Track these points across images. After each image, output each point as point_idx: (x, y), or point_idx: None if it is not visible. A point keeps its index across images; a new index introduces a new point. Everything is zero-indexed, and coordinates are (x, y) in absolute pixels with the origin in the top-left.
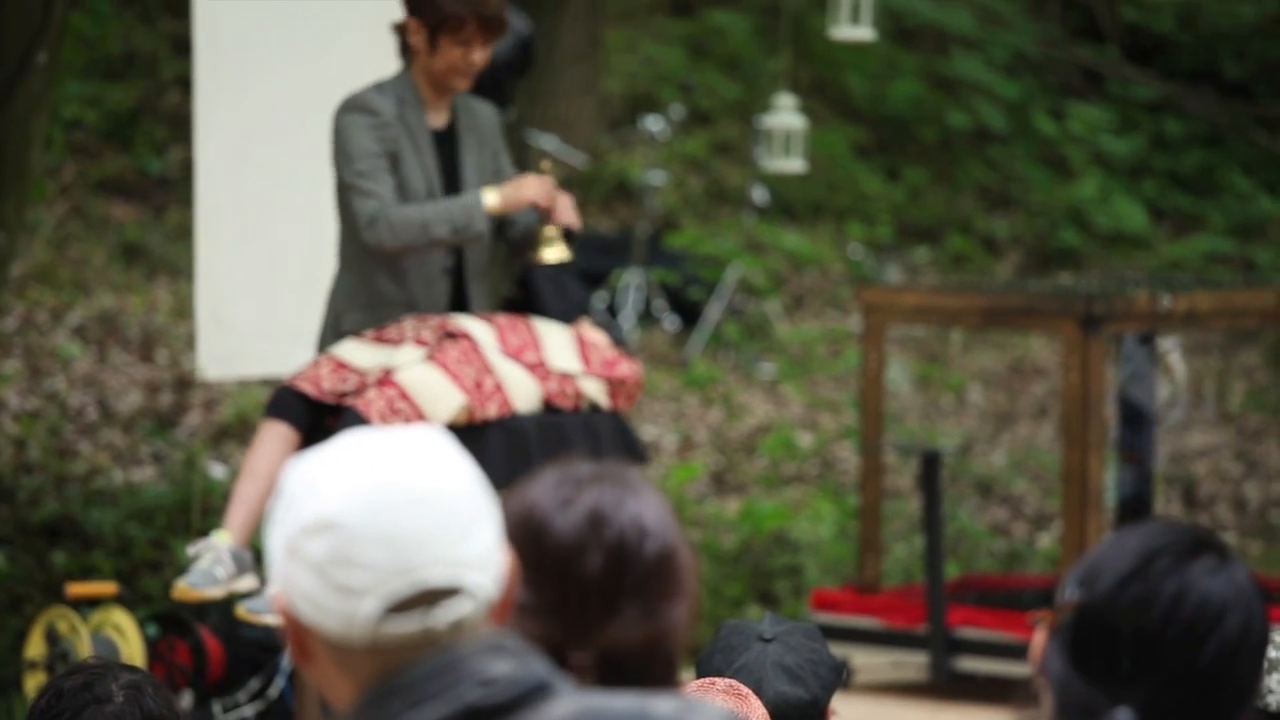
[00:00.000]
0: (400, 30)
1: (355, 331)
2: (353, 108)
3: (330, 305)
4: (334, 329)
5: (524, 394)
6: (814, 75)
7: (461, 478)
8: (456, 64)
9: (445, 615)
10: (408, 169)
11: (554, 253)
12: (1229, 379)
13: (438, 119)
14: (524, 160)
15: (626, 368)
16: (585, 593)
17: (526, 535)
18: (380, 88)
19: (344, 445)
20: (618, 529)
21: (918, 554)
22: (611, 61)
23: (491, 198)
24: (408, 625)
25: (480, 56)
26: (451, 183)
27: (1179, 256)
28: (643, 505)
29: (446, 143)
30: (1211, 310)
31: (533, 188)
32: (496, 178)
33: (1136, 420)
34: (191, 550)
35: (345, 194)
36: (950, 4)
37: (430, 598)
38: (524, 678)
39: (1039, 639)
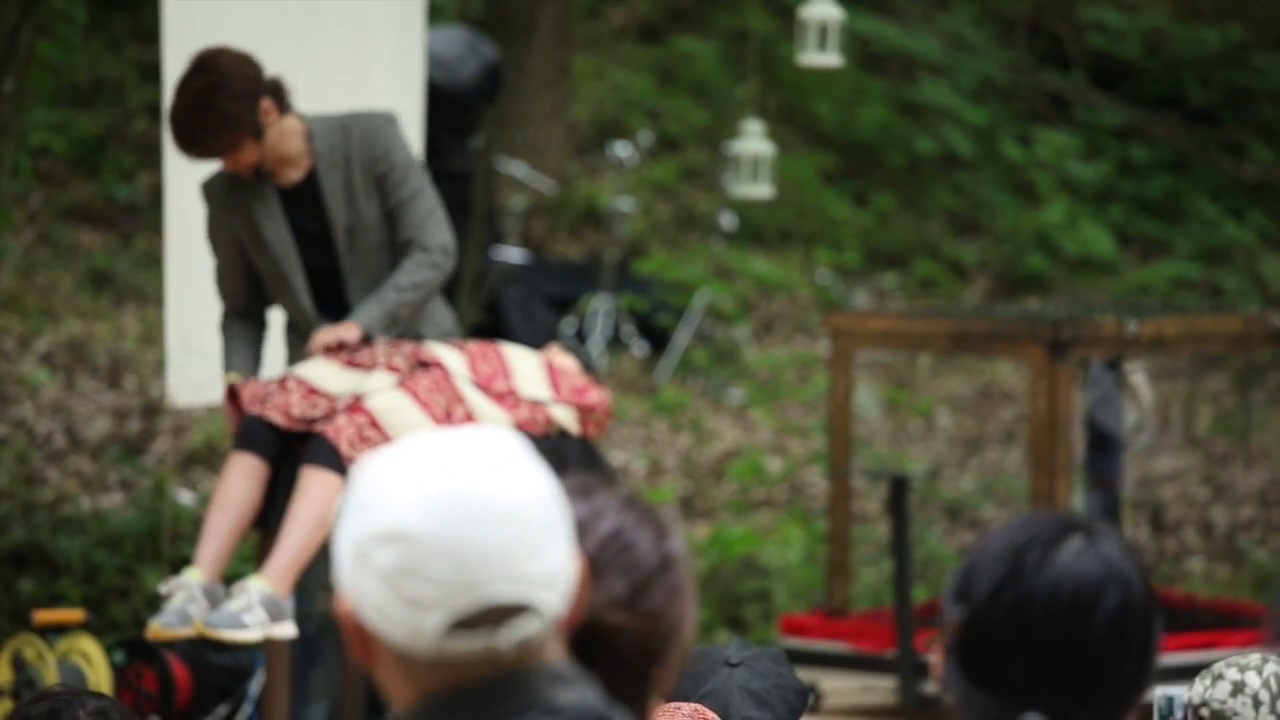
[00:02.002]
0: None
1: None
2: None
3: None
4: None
5: (494, 423)
6: (782, 101)
7: (536, 489)
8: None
9: (511, 634)
10: (266, 235)
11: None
12: (1196, 404)
13: (294, 174)
14: (492, 186)
15: (596, 394)
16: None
17: None
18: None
19: (417, 448)
20: (620, 518)
21: (886, 578)
22: (580, 88)
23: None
24: (473, 643)
25: (228, 165)
26: (321, 226)
27: (1145, 282)
28: (656, 515)
29: (303, 194)
30: (1178, 335)
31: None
32: (381, 191)
33: (1104, 445)
34: (164, 589)
35: None
36: (917, 30)
37: (497, 615)
38: (586, 710)
39: (935, 660)
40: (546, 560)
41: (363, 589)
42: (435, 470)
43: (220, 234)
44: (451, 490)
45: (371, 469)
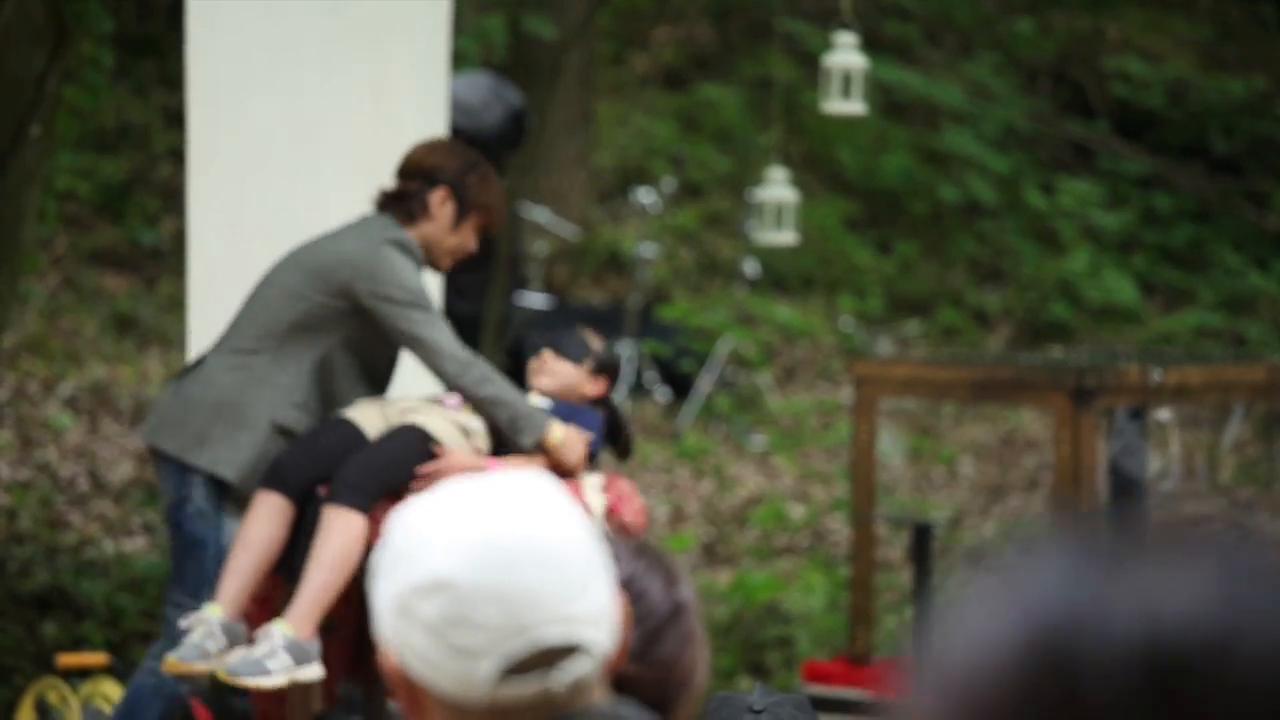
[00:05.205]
0: (411, 192)
1: (295, 429)
2: (402, 247)
3: (264, 397)
4: (271, 424)
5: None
6: (805, 149)
7: (574, 528)
8: (464, 247)
9: (564, 675)
10: None
11: None
12: (1219, 452)
13: None
14: (516, 232)
15: (628, 499)
16: None
17: None
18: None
19: (451, 495)
20: (631, 567)
21: (909, 626)
22: (603, 134)
23: (556, 433)
24: (526, 686)
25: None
26: None
27: (1169, 331)
28: (666, 563)
29: None
30: (1202, 384)
31: (577, 455)
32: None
33: (1128, 493)
34: (183, 624)
35: (411, 315)
36: (941, 79)
37: (548, 657)
38: None
39: None
40: (591, 599)
41: (408, 642)
42: (472, 516)
43: None
44: (491, 535)
45: (407, 518)
